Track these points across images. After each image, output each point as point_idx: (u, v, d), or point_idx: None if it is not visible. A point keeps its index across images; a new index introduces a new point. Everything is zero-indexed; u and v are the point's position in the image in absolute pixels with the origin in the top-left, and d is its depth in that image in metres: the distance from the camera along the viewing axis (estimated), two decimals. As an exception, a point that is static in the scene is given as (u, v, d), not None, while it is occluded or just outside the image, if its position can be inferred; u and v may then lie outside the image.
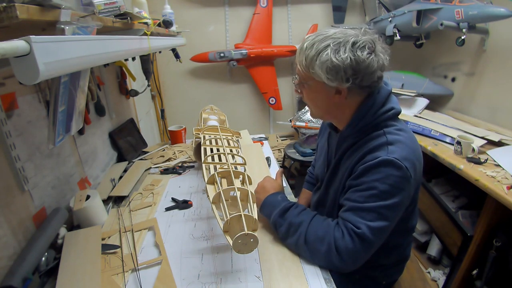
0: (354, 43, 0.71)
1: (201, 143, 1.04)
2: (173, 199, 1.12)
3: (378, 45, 0.74)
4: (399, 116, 0.83)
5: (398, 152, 0.72)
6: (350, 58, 0.70)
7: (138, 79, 1.66)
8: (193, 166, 1.40)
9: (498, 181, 1.13)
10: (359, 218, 0.73)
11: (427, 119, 1.78)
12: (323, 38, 0.73)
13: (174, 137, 1.68)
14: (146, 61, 1.41)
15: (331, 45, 0.71)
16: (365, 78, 0.73)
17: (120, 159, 1.49)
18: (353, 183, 0.76)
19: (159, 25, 1.21)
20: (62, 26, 0.54)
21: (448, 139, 1.55)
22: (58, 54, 0.45)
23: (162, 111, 2.41)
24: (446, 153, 1.41)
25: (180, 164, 1.42)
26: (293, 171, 2.44)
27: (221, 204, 0.72)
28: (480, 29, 1.62)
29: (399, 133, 0.76)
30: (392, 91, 0.83)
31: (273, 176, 1.02)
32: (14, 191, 0.78)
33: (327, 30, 0.75)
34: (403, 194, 0.73)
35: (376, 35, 0.75)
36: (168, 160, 1.48)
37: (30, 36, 0.39)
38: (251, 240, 0.65)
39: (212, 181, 0.81)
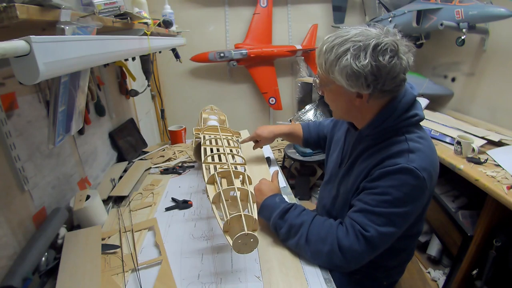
0: (375, 47, 0.66)
1: (201, 143, 1.04)
2: (173, 199, 1.12)
3: (402, 45, 0.70)
4: None
5: (418, 161, 0.70)
6: (371, 64, 0.66)
7: (138, 79, 1.66)
8: (193, 166, 1.40)
9: (498, 181, 1.12)
10: (369, 221, 0.72)
11: (427, 119, 1.77)
12: (343, 41, 0.69)
13: (174, 137, 1.68)
14: (146, 61, 1.41)
15: (351, 50, 0.67)
16: (387, 83, 0.70)
17: (120, 159, 1.49)
18: (368, 185, 0.75)
19: (159, 25, 1.21)
20: (62, 26, 0.54)
21: (448, 139, 1.55)
22: (58, 54, 0.45)
23: (162, 111, 2.42)
24: (446, 153, 1.41)
25: (180, 164, 1.42)
26: (293, 171, 2.44)
27: (221, 204, 0.72)
28: (480, 29, 1.62)
29: (420, 141, 0.75)
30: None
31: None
32: (14, 191, 0.78)
33: (348, 30, 0.71)
34: (416, 203, 0.72)
35: (398, 34, 0.71)
36: (168, 160, 1.48)
37: (30, 36, 0.39)
38: (251, 240, 0.65)
39: (212, 181, 0.81)
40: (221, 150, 0.99)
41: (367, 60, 0.66)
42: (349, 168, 0.87)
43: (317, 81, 0.81)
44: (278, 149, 2.56)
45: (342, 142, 0.96)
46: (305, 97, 2.71)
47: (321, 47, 0.74)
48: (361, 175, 0.79)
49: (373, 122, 0.78)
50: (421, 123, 0.82)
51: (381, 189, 0.72)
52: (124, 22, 0.88)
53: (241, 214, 0.66)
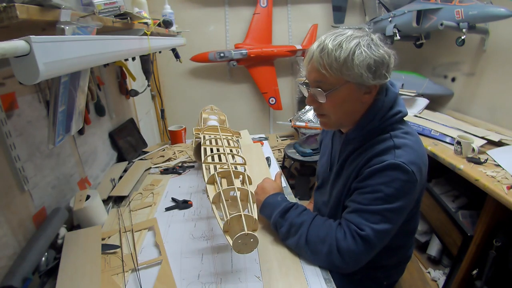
0: (374, 39, 0.71)
1: (201, 143, 1.04)
2: (173, 199, 1.12)
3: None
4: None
5: (405, 156, 0.71)
6: (384, 53, 0.70)
7: (138, 79, 1.66)
8: (193, 166, 1.40)
9: (498, 181, 1.12)
10: (363, 220, 0.72)
11: (427, 119, 1.77)
12: (347, 38, 0.70)
13: (174, 137, 1.68)
14: (146, 61, 1.41)
15: (362, 43, 0.69)
16: (390, 71, 0.73)
17: (120, 159, 1.49)
18: (359, 185, 0.76)
19: (159, 25, 1.21)
20: (62, 26, 0.54)
21: (448, 139, 1.55)
22: (58, 54, 0.45)
23: (162, 111, 2.42)
24: (446, 153, 1.41)
25: (180, 164, 1.42)
26: (293, 171, 2.44)
27: (221, 204, 0.72)
28: (480, 29, 1.62)
29: (406, 136, 0.76)
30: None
31: (273, 177, 1.02)
32: (14, 191, 0.78)
33: (341, 30, 0.73)
34: (408, 198, 0.73)
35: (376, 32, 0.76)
36: (168, 160, 1.48)
37: (30, 36, 0.39)
38: (251, 240, 0.65)
39: (212, 181, 0.81)
40: (221, 150, 0.99)
41: (380, 50, 0.70)
42: (338, 171, 0.87)
43: (318, 88, 0.74)
44: (278, 149, 2.56)
45: (329, 146, 0.97)
46: (305, 97, 2.71)
47: (323, 46, 0.71)
48: (351, 176, 0.80)
49: (359, 125, 0.79)
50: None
51: (372, 187, 0.72)
52: (124, 22, 0.88)
53: (241, 214, 0.66)
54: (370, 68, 0.69)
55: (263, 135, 1.83)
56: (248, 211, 0.72)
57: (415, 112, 1.90)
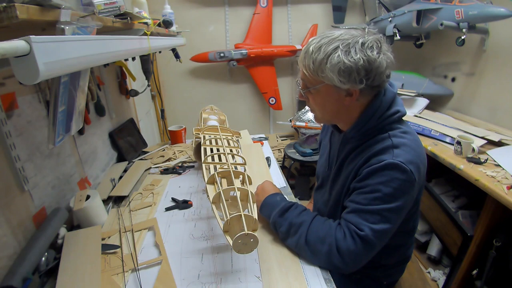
0: (363, 44, 0.69)
1: (201, 143, 1.04)
2: (173, 199, 1.12)
3: (383, 43, 0.73)
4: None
5: (403, 155, 0.71)
6: (362, 58, 0.68)
7: (138, 79, 1.66)
8: (193, 166, 1.40)
9: (498, 181, 1.13)
10: (362, 220, 0.72)
11: (427, 119, 1.77)
12: (330, 41, 0.71)
13: (174, 137, 1.68)
14: (146, 61, 1.41)
15: (341, 47, 0.69)
16: (376, 77, 0.71)
17: (120, 159, 1.49)
18: (358, 185, 0.76)
19: (159, 25, 1.21)
20: (62, 26, 0.54)
21: (448, 139, 1.55)
22: (58, 54, 0.45)
23: (162, 111, 2.41)
24: (446, 153, 1.41)
25: (180, 164, 1.42)
26: (293, 171, 2.44)
27: (221, 204, 0.72)
28: (480, 29, 1.62)
29: (404, 136, 0.76)
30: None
31: (274, 177, 1.02)
32: (14, 191, 0.78)
33: (332, 32, 0.73)
34: (406, 197, 0.73)
35: (379, 34, 0.74)
36: (168, 160, 1.48)
37: (30, 36, 0.39)
38: (251, 240, 0.65)
39: (212, 181, 0.81)
40: (221, 150, 0.99)
41: (358, 55, 0.68)
42: (338, 171, 0.88)
43: (301, 84, 0.80)
44: (278, 149, 2.56)
45: (328, 145, 0.97)
46: (305, 97, 2.71)
47: (307, 48, 0.74)
48: (349, 176, 0.80)
49: (357, 125, 0.79)
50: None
51: (370, 187, 0.73)
52: (124, 22, 0.88)
53: (241, 214, 0.66)
54: (340, 73, 0.69)
55: (263, 135, 1.83)
56: (248, 211, 0.72)
57: (415, 112, 1.90)
